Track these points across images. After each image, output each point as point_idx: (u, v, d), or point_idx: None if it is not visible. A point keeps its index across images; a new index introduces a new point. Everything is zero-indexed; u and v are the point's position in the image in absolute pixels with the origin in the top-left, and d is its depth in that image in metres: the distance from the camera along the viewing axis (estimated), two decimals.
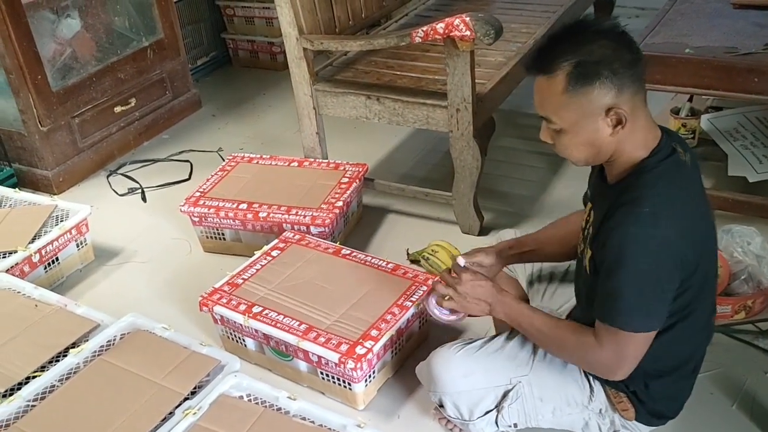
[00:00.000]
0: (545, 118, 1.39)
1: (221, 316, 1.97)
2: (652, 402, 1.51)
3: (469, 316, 1.64)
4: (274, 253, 2.16)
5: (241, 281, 2.04)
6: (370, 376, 1.83)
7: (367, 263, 2.09)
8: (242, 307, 1.93)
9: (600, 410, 1.55)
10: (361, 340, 1.78)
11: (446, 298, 1.62)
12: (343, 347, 1.76)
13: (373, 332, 1.81)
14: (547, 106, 1.37)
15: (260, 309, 1.91)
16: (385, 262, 2.08)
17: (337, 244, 2.20)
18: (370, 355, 1.76)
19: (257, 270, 2.09)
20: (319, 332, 1.82)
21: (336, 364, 1.75)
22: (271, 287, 2.01)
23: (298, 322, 1.86)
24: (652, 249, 1.31)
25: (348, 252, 2.15)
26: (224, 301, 1.97)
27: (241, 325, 1.92)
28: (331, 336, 1.80)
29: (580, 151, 1.39)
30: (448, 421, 1.72)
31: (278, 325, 1.86)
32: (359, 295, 1.95)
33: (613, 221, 1.35)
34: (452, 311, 1.64)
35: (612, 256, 1.34)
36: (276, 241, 2.22)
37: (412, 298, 1.91)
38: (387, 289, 1.96)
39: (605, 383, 1.53)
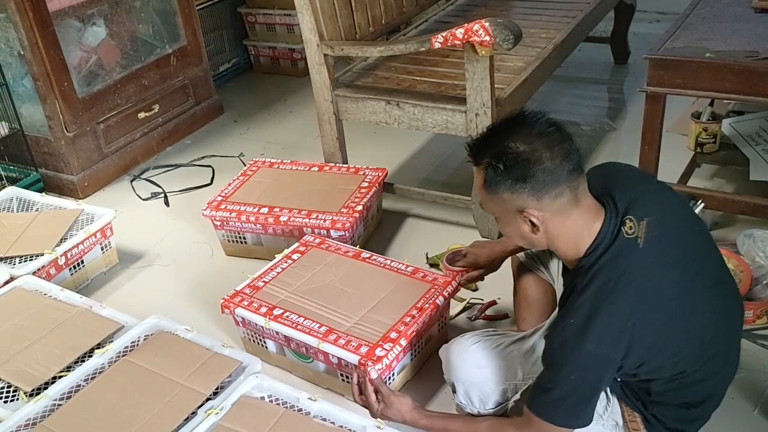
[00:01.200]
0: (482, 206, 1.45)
1: (243, 318, 1.99)
2: (670, 421, 1.48)
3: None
4: (294, 257, 2.18)
5: (262, 284, 2.07)
6: (389, 379, 1.84)
7: (386, 266, 2.10)
8: (263, 310, 1.95)
9: (616, 422, 1.52)
10: (380, 343, 1.80)
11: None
12: (363, 349, 1.78)
13: (393, 335, 1.82)
14: (479, 193, 1.42)
15: (281, 311, 1.93)
16: (404, 265, 2.10)
17: (357, 248, 2.22)
18: (390, 357, 1.77)
19: (278, 273, 2.11)
20: (339, 334, 1.84)
21: (356, 365, 1.76)
22: (291, 290, 2.03)
23: (318, 325, 1.88)
24: (577, 362, 1.30)
25: (368, 255, 2.16)
26: (246, 303, 1.99)
27: (262, 327, 1.94)
28: (351, 338, 1.82)
29: (516, 240, 1.45)
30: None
31: (299, 327, 1.88)
32: (379, 298, 1.97)
33: (556, 319, 1.39)
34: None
35: (545, 354, 1.37)
36: (296, 244, 2.24)
37: (431, 301, 1.93)
38: (406, 292, 1.98)
39: (622, 399, 1.50)
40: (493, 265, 1.90)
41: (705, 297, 1.40)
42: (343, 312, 1.92)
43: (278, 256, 2.19)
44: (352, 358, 1.76)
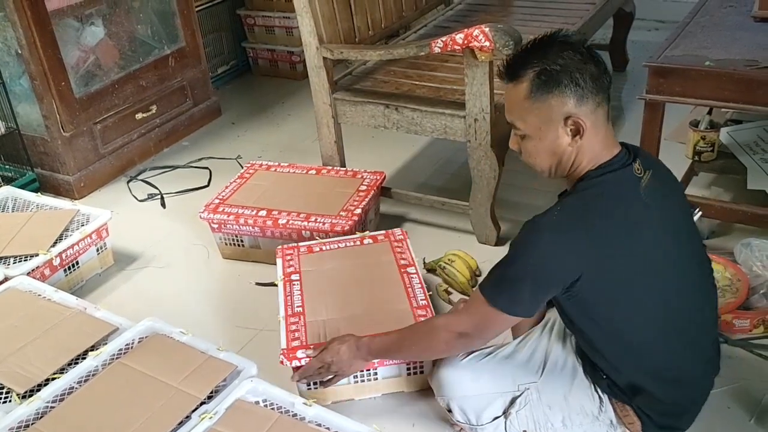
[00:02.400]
0: (512, 123, 1.46)
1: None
2: (657, 415, 1.50)
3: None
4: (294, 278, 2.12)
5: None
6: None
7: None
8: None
9: (611, 421, 1.54)
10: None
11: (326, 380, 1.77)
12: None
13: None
14: (513, 111, 1.44)
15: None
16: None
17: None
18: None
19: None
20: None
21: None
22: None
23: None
24: (542, 250, 1.36)
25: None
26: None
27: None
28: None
29: (543, 159, 1.45)
30: (461, 429, 1.72)
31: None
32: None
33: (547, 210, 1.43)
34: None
35: (517, 236, 1.42)
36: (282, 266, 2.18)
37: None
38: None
39: (611, 395, 1.53)
40: None
41: (680, 265, 1.46)
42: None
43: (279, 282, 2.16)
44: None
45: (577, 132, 1.38)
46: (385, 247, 2.18)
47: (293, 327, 1.89)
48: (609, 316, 1.43)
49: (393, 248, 2.17)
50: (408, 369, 1.87)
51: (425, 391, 1.89)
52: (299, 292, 2.02)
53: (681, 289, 1.46)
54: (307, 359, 1.77)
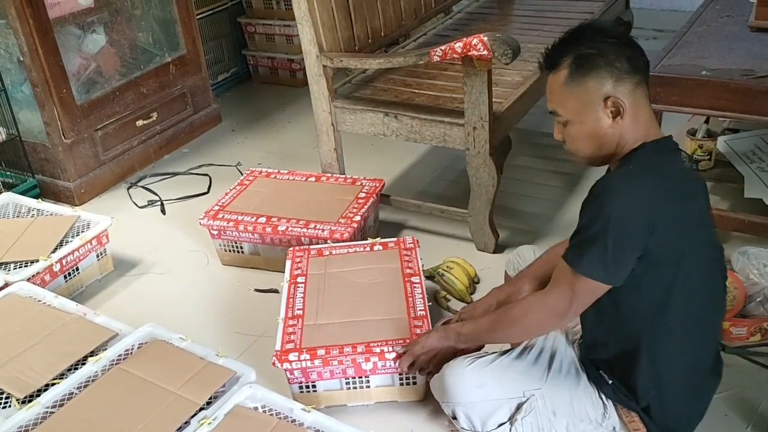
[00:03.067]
0: (553, 112, 1.48)
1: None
2: (663, 419, 1.51)
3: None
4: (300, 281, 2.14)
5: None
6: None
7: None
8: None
9: (614, 428, 1.55)
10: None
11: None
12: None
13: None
14: (553, 99, 1.47)
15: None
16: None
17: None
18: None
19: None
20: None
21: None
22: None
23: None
24: (624, 200, 1.35)
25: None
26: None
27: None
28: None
29: (586, 145, 1.46)
30: None
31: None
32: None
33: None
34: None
35: (588, 199, 1.41)
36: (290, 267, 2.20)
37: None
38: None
39: (617, 401, 1.54)
40: None
41: (714, 254, 1.49)
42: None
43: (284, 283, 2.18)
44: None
45: (617, 113, 1.40)
46: (393, 255, 2.18)
47: (290, 330, 1.90)
48: (653, 279, 1.41)
49: (401, 256, 2.17)
50: (401, 379, 1.88)
51: (424, 398, 1.90)
52: (302, 295, 2.03)
53: (710, 276, 1.49)
54: (396, 355, 1.78)
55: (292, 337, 1.88)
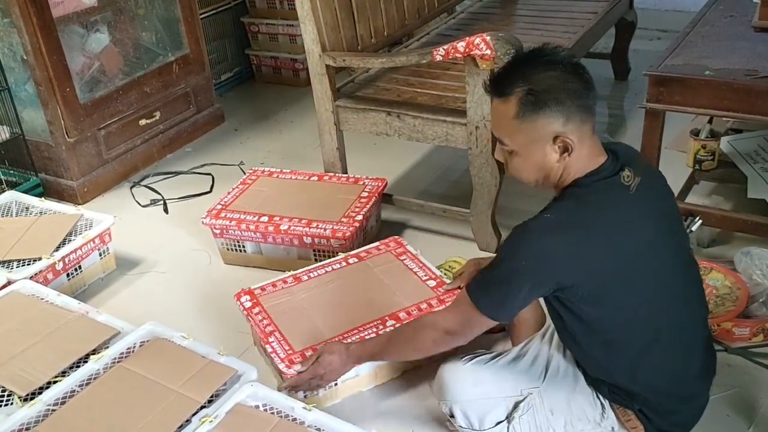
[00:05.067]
0: (499, 139, 1.47)
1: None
2: (659, 419, 1.51)
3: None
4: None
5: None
6: None
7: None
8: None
9: (612, 428, 1.55)
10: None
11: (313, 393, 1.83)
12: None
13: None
14: (500, 128, 1.46)
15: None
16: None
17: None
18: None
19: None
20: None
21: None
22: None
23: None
24: (534, 251, 1.37)
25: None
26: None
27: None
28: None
29: (530, 173, 1.47)
30: None
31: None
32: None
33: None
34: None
35: (508, 237, 1.44)
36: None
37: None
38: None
39: (613, 400, 1.54)
40: None
41: (670, 267, 1.47)
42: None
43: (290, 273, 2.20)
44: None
45: (565, 150, 1.40)
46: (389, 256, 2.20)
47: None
48: (600, 316, 1.43)
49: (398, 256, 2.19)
50: None
51: (424, 395, 1.90)
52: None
53: (671, 291, 1.48)
54: (294, 373, 1.80)
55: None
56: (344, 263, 2.20)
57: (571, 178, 1.44)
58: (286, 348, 1.89)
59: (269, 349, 1.90)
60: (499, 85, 1.43)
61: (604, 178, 1.42)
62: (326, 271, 2.18)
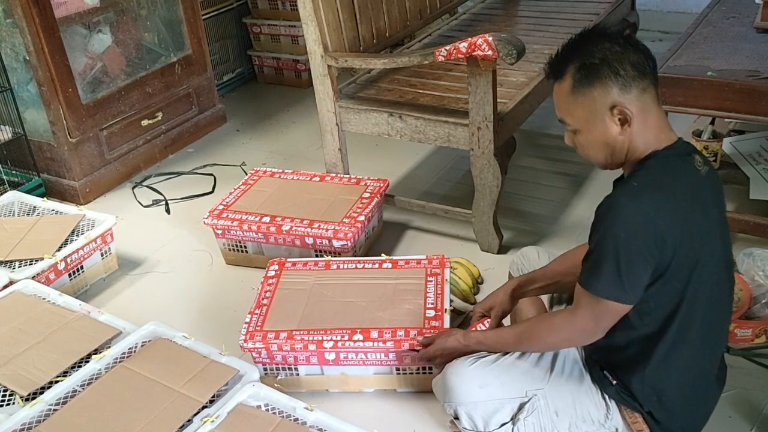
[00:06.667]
0: (562, 120, 1.48)
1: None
2: (668, 422, 1.51)
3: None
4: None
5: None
6: None
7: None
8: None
9: (616, 429, 1.54)
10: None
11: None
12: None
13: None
14: (560, 108, 1.46)
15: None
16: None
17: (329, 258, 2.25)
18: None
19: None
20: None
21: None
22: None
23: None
24: (630, 219, 1.34)
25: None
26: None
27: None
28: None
29: (596, 151, 1.46)
30: None
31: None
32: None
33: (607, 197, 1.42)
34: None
35: (595, 221, 1.40)
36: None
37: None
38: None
39: (620, 402, 1.53)
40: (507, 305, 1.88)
41: (721, 259, 1.47)
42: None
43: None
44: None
45: (625, 121, 1.39)
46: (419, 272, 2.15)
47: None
48: (657, 303, 1.41)
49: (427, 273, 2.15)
50: (398, 368, 1.90)
51: (425, 395, 1.90)
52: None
53: (716, 284, 1.47)
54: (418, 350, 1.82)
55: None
56: (376, 265, 2.17)
57: (644, 151, 1.42)
58: (258, 324, 1.95)
59: (248, 318, 1.96)
60: (554, 67, 1.45)
61: (680, 155, 1.41)
62: (355, 267, 2.17)
